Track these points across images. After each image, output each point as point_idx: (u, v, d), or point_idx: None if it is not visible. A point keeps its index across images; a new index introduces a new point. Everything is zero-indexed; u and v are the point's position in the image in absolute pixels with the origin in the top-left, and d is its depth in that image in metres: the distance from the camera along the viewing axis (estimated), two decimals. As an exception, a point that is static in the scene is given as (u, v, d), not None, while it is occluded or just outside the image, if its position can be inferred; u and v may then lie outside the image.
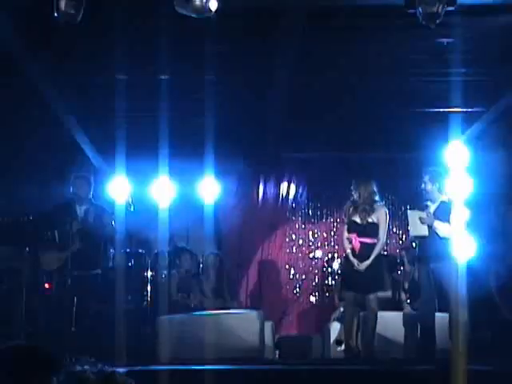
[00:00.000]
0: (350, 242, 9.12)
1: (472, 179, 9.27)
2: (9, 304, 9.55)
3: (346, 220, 9.39)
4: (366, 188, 9.10)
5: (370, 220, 9.08)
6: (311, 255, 12.11)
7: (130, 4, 8.06)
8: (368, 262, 8.96)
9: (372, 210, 9.09)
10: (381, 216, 9.10)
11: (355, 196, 9.13)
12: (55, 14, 7.43)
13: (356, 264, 8.98)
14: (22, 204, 10.68)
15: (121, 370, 7.51)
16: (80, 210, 9.65)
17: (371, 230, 9.07)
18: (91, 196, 9.75)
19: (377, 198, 9.15)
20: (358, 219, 9.12)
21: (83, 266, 9.46)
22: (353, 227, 9.13)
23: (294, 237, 12.14)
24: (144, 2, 8.02)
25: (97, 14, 7.74)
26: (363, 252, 9.03)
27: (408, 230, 9.48)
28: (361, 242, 9.05)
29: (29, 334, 9.10)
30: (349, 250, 9.11)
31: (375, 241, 9.07)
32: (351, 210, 9.18)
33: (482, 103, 10.04)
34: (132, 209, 10.07)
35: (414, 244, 9.46)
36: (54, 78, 9.37)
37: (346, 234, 9.23)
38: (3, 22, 7.97)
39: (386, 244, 9.74)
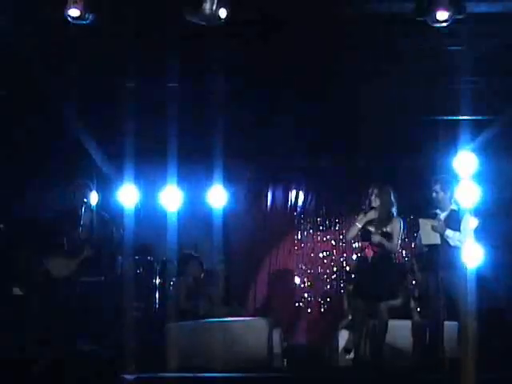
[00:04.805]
0: (363, 250, 9.11)
1: (481, 187, 9.26)
2: (20, 310, 9.56)
3: (358, 226, 9.22)
4: (388, 196, 9.06)
5: (384, 230, 9.05)
6: (320, 263, 12.09)
7: (140, 12, 8.10)
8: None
9: (389, 220, 9.05)
10: (395, 226, 9.04)
11: (376, 203, 9.04)
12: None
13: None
14: (25, 210, 10.69)
15: (129, 377, 7.57)
16: (86, 217, 9.64)
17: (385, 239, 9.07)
18: (97, 203, 9.71)
19: (394, 208, 9.09)
20: (373, 228, 9.08)
21: (91, 274, 9.46)
22: (367, 235, 9.10)
23: (302, 244, 12.12)
24: (153, 11, 8.06)
25: (107, 19, 7.79)
26: (376, 260, 9.01)
27: (417, 238, 9.44)
28: (374, 251, 9.03)
29: (40, 341, 9.10)
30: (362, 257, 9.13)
31: None
32: (368, 218, 9.08)
33: (491, 111, 10.03)
34: (140, 216, 10.08)
35: (423, 252, 9.41)
36: (61, 82, 9.40)
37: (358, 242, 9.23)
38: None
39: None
